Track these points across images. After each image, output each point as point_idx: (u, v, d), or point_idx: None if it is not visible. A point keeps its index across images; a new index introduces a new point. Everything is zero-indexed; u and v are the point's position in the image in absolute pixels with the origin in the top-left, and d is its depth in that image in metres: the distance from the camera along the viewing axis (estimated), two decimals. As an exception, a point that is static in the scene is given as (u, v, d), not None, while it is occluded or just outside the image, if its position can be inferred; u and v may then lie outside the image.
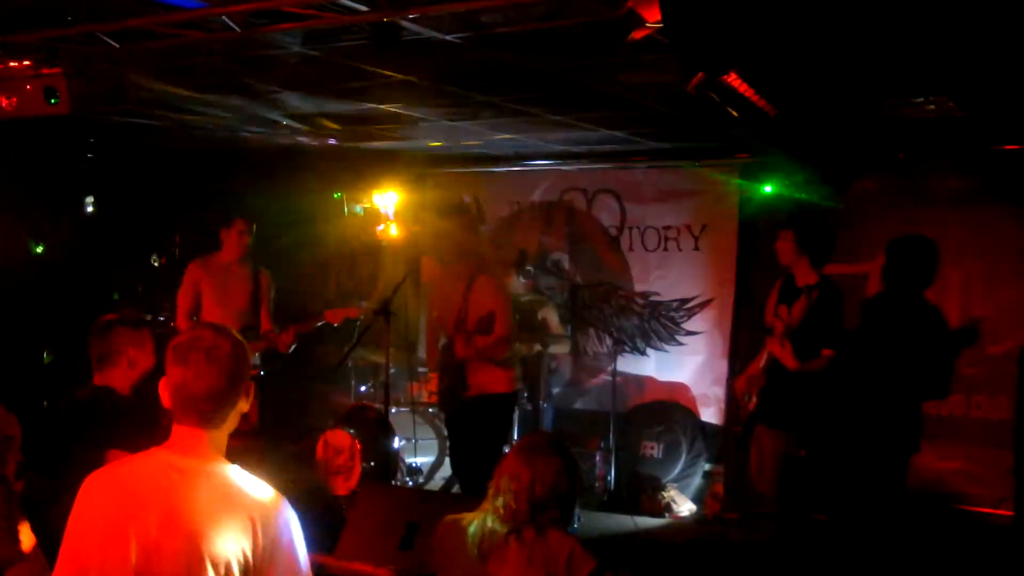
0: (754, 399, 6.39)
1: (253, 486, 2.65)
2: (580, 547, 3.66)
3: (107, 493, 2.60)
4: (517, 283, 8.43)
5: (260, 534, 2.56)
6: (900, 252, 5.93)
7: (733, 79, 3.30)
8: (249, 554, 2.54)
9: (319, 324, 7.40)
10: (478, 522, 3.75)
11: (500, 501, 3.70)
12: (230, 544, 2.53)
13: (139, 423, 3.93)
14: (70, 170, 8.97)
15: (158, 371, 4.39)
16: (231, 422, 2.69)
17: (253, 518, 2.57)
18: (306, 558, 2.67)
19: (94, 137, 8.64)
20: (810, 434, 6.20)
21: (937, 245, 5.97)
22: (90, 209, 9.32)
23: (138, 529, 2.53)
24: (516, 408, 7.33)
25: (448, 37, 4.97)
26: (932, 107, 5.69)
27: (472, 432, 6.63)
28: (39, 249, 9.05)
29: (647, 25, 3.20)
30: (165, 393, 2.66)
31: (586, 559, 3.62)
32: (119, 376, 4.32)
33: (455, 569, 3.74)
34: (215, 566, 2.51)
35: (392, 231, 9.42)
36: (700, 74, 3.32)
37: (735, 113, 3.51)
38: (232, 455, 2.73)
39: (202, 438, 2.63)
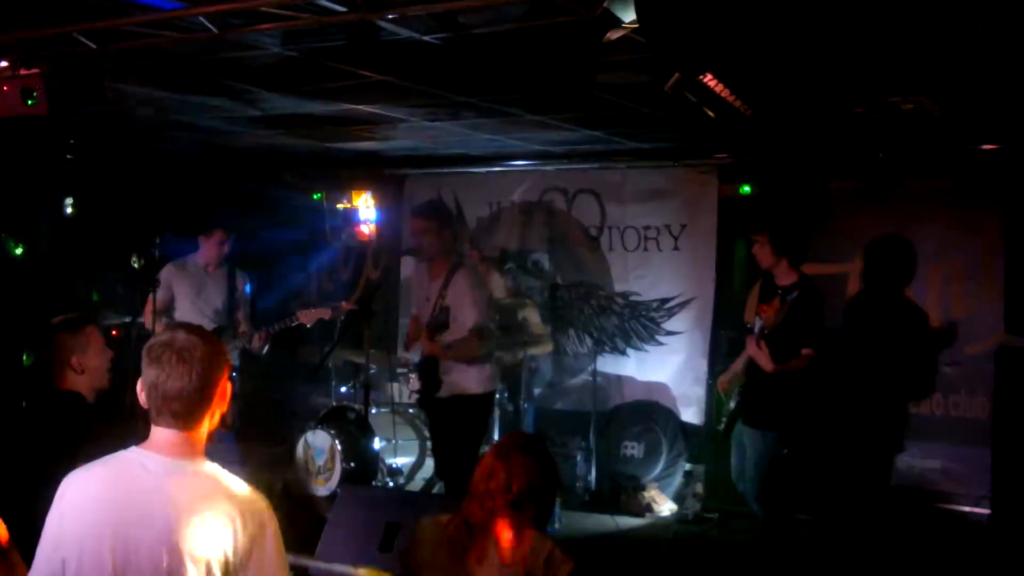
0: (735, 398, 6.42)
1: (233, 485, 2.66)
2: (558, 548, 3.66)
3: (85, 492, 2.62)
4: (499, 283, 8.43)
5: (240, 532, 2.58)
6: (879, 253, 5.98)
7: (709, 79, 3.32)
8: (230, 552, 2.56)
9: (293, 325, 7.38)
10: (456, 522, 3.75)
11: (477, 500, 3.70)
12: (210, 543, 2.55)
13: (103, 429, 3.90)
14: (49, 171, 8.92)
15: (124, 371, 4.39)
16: (208, 422, 2.69)
17: (233, 516, 2.58)
18: (285, 557, 2.69)
19: (74, 138, 8.59)
20: (792, 433, 6.23)
21: (914, 245, 6.03)
22: (69, 210, 9.27)
23: (116, 528, 2.54)
24: (495, 408, 7.32)
25: (426, 38, 4.97)
26: (910, 107, 5.74)
27: (449, 433, 6.65)
28: (18, 250, 9.00)
29: (623, 25, 3.21)
30: (141, 394, 2.66)
31: (564, 560, 3.61)
32: (77, 383, 4.28)
33: (434, 569, 3.73)
34: (195, 564, 2.53)
35: (372, 231, 9.42)
36: (676, 74, 3.34)
37: (711, 113, 3.53)
38: (212, 456, 2.73)
39: (179, 438, 2.64)
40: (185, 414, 2.63)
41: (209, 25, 4.50)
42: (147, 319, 7.39)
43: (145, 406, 2.66)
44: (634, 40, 3.40)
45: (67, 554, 2.57)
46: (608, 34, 3.29)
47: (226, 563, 2.56)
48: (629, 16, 3.14)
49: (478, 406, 6.64)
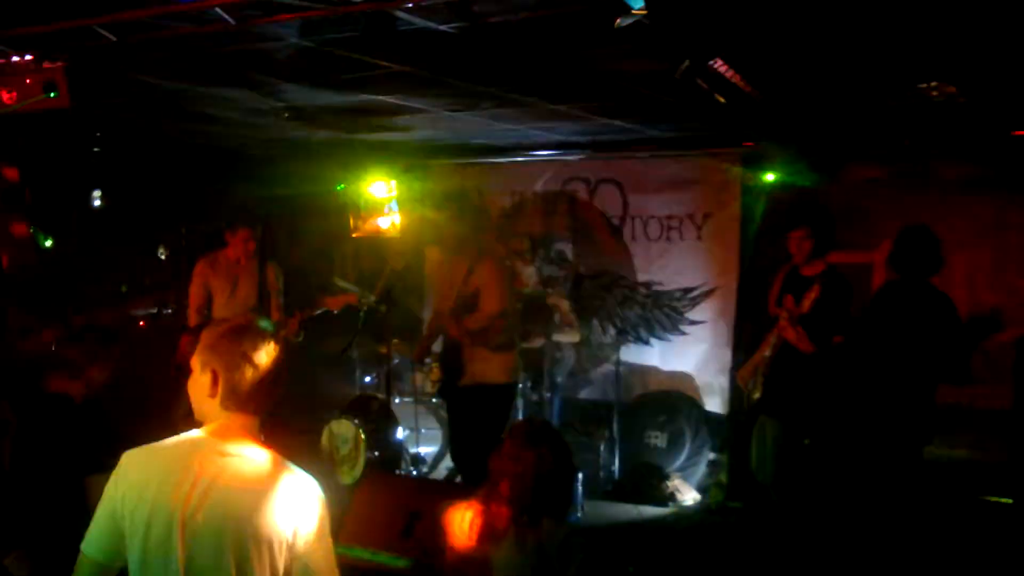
0: (759, 389, 6.41)
1: (289, 468, 2.85)
2: (573, 535, 3.68)
3: (150, 470, 2.75)
4: (529, 271, 8.42)
5: (298, 513, 2.76)
6: (907, 241, 5.96)
7: (719, 65, 3.30)
8: (289, 532, 2.75)
9: (320, 311, 7.43)
10: (474, 509, 3.78)
11: (494, 489, 3.72)
12: (272, 523, 2.72)
13: (91, 431, 3.95)
14: (77, 164, 9.01)
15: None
16: (267, 410, 2.90)
17: (292, 498, 2.77)
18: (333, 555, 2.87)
19: (101, 131, 8.67)
20: (814, 424, 6.21)
21: (940, 234, 5.99)
22: (97, 203, 9.36)
23: (184, 508, 2.70)
24: (518, 399, 7.31)
25: (442, 27, 4.97)
26: (935, 93, 5.69)
27: (469, 422, 6.65)
28: (47, 242, 9.09)
29: (632, 12, 3.21)
30: (214, 384, 2.80)
31: (579, 547, 3.64)
32: (70, 386, 4.31)
33: (452, 555, 3.76)
34: (257, 544, 2.70)
35: (395, 222, 9.44)
36: (687, 61, 3.33)
37: (722, 99, 3.52)
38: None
39: (247, 424, 2.84)
40: (262, 402, 2.85)
41: (226, 16, 4.53)
42: (191, 317, 7.50)
43: (216, 393, 2.81)
44: (647, 27, 3.38)
45: (132, 531, 2.71)
46: (617, 20, 3.28)
47: (285, 542, 2.74)
48: (639, 2, 3.14)
49: (500, 396, 6.64)
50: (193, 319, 7.46)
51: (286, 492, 2.77)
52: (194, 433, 2.85)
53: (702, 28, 3.14)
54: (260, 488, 2.76)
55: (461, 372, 6.57)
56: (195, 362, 2.87)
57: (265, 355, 2.83)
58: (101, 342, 4.47)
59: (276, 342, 2.89)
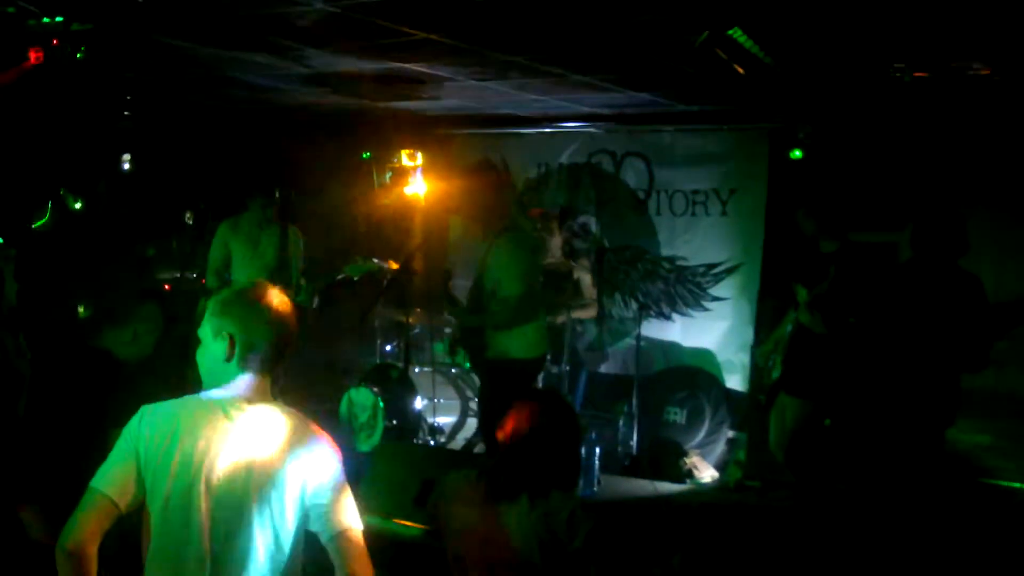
0: (778, 367, 6.37)
1: (306, 423, 2.95)
2: (579, 508, 3.67)
3: (171, 424, 2.84)
4: (557, 242, 8.38)
5: (318, 463, 2.89)
6: (931, 221, 5.86)
7: (738, 34, 3.26)
8: (309, 480, 2.86)
9: (339, 279, 7.45)
10: (481, 478, 3.78)
11: (502, 457, 3.72)
12: (293, 472, 2.85)
13: (130, 387, 3.98)
14: (108, 127, 9.06)
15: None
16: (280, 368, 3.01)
17: (312, 449, 2.89)
18: (353, 502, 2.96)
19: (131, 95, 8.70)
20: (835, 403, 6.16)
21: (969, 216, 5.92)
22: (127, 166, 9.41)
23: (206, 460, 2.80)
24: (541, 373, 7.20)
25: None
26: (965, 71, 5.61)
27: (495, 396, 6.63)
28: (77, 205, 9.16)
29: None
30: (231, 346, 2.88)
31: (586, 518, 3.63)
32: (120, 344, 4.37)
33: (459, 522, 3.77)
34: (278, 493, 2.83)
35: (419, 191, 9.43)
36: (706, 31, 3.29)
37: (740, 70, 3.48)
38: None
39: (257, 382, 2.92)
40: (276, 363, 2.95)
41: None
42: (209, 278, 7.55)
43: (231, 355, 2.89)
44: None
45: (153, 482, 2.80)
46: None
47: (302, 490, 2.86)
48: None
49: (520, 370, 6.59)
50: (211, 281, 7.48)
51: (302, 444, 2.88)
52: (212, 392, 2.93)
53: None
54: (278, 441, 2.85)
55: (486, 346, 6.55)
56: (204, 331, 2.94)
57: (279, 316, 2.93)
58: (154, 300, 4.56)
59: (288, 302, 2.97)
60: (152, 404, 2.90)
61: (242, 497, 2.81)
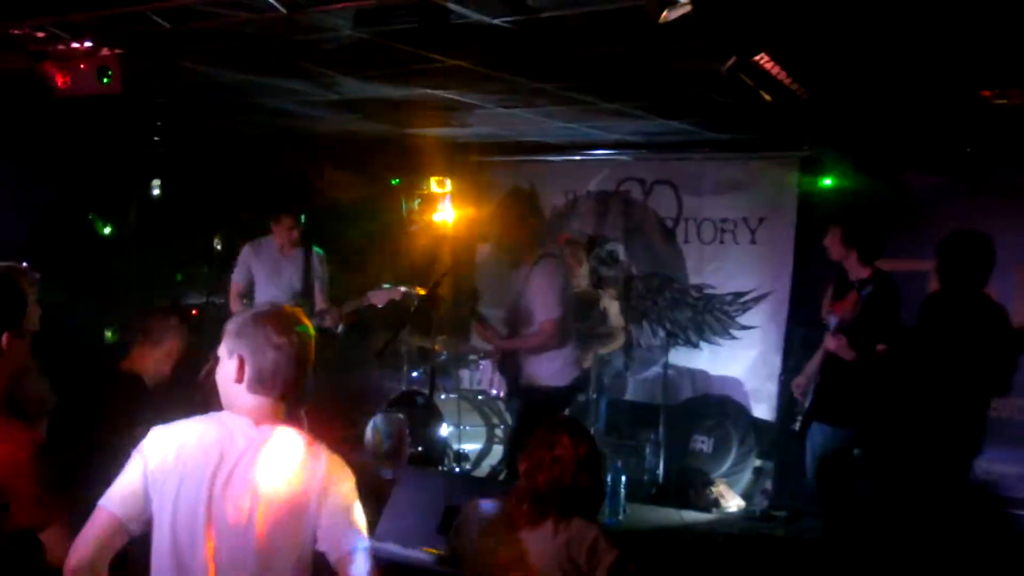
0: (811, 396, 6.31)
1: (317, 446, 2.91)
2: (604, 536, 3.62)
3: (179, 445, 2.82)
4: (584, 270, 8.37)
5: (329, 486, 2.83)
6: (953, 250, 5.81)
7: (764, 61, 3.24)
8: (319, 504, 2.81)
9: (365, 305, 7.43)
10: (503, 504, 3.75)
11: (523, 484, 3.69)
12: (301, 496, 2.81)
13: (159, 413, 3.98)
14: (137, 153, 9.12)
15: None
16: (298, 394, 2.98)
17: (322, 472, 2.84)
18: (363, 517, 2.90)
19: (161, 120, 8.77)
20: (866, 432, 6.10)
21: (1001, 245, 5.85)
22: (156, 192, 9.47)
23: (211, 483, 2.77)
24: (569, 402, 7.15)
25: (495, 21, 4.95)
26: (1004, 100, 5.57)
27: (525, 422, 6.61)
28: (107, 230, 9.22)
29: (679, 4, 3.16)
30: (240, 368, 2.86)
31: (609, 548, 3.58)
32: (149, 361, 4.40)
33: (479, 551, 3.73)
34: (285, 517, 2.79)
35: (448, 217, 9.46)
36: (733, 57, 3.27)
37: (768, 97, 3.45)
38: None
39: (269, 406, 2.89)
40: (287, 387, 2.91)
41: (278, 5, 4.55)
42: (232, 302, 7.54)
43: (242, 378, 2.87)
44: (693, 21, 3.33)
45: (160, 502, 2.79)
46: (664, 14, 3.24)
47: (311, 514, 2.81)
48: (684, -4, 3.09)
49: (549, 399, 6.56)
50: (234, 304, 7.47)
51: (311, 466, 2.84)
52: (224, 413, 2.92)
53: (747, 22, 3.08)
54: (287, 463, 2.83)
55: (520, 372, 6.55)
56: (222, 350, 2.93)
57: (290, 340, 2.88)
58: (183, 320, 4.60)
59: (303, 328, 2.94)
60: (163, 424, 2.89)
61: (248, 518, 2.78)
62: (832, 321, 6.08)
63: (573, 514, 3.63)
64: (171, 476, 2.79)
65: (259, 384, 2.88)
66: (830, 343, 6.04)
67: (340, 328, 7.45)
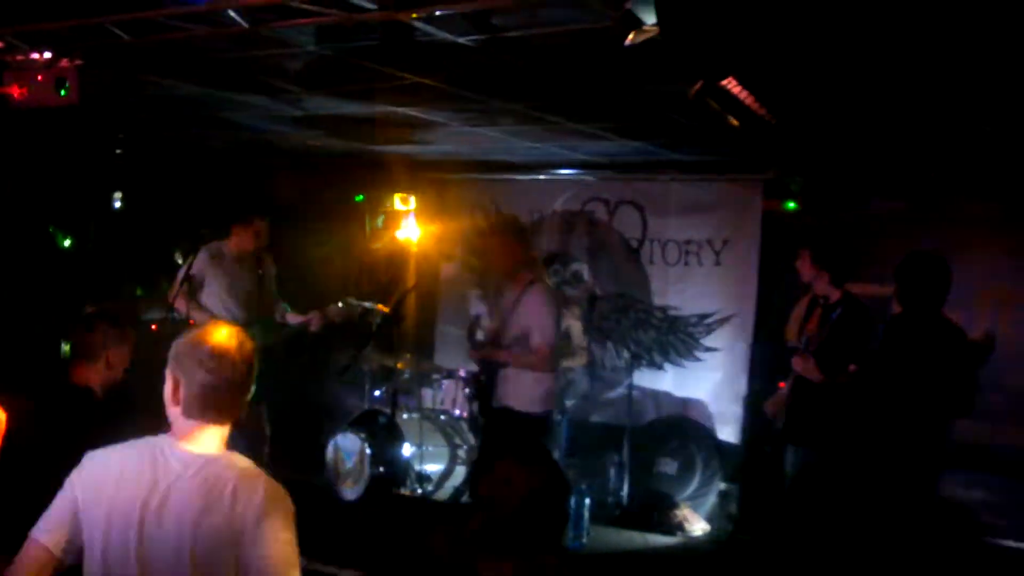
0: (782, 418, 6.32)
1: (253, 471, 2.80)
2: (565, 568, 3.55)
3: (111, 471, 2.76)
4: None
5: (262, 513, 2.71)
6: (909, 272, 5.84)
7: (732, 85, 3.22)
8: (251, 532, 2.69)
9: (340, 307, 7.38)
10: (463, 534, 3.67)
11: (482, 514, 3.60)
12: (234, 523, 2.69)
13: (111, 426, 3.88)
14: (98, 164, 9.01)
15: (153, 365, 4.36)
16: (237, 417, 2.88)
17: (256, 498, 2.72)
18: (296, 549, 2.78)
19: (122, 132, 8.67)
20: (835, 454, 6.09)
21: (963, 270, 5.90)
22: (117, 204, 9.35)
23: (142, 511, 2.69)
24: (544, 430, 7.04)
25: (460, 40, 4.91)
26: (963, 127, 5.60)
27: (491, 445, 6.55)
28: (66, 242, 9.09)
29: (644, 28, 3.12)
30: (176, 391, 2.81)
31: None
32: (94, 375, 4.28)
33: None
34: (214, 550, 2.68)
35: (412, 235, 9.40)
36: (700, 81, 3.24)
37: (735, 122, 3.42)
38: (246, 454, 2.90)
39: (208, 431, 2.82)
40: (222, 411, 2.83)
41: (239, 19, 4.48)
42: (173, 290, 7.33)
43: (176, 402, 2.81)
44: (660, 44, 3.30)
45: (90, 530, 2.72)
46: (630, 36, 3.20)
47: (243, 542, 2.69)
48: (651, 19, 3.05)
49: (529, 426, 6.46)
50: (180, 304, 7.25)
51: (248, 496, 2.73)
52: (159, 438, 2.83)
53: (714, 46, 3.05)
54: (221, 492, 2.72)
55: (493, 393, 6.51)
56: (167, 371, 2.85)
57: (222, 362, 2.80)
58: (113, 324, 4.44)
59: (241, 348, 2.85)
60: (96, 450, 2.82)
61: (180, 547, 2.68)
62: (803, 341, 6.10)
63: (535, 546, 3.55)
64: (102, 503, 2.72)
65: (194, 407, 2.80)
66: (797, 364, 6.06)
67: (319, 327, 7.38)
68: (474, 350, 6.88)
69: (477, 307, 9.45)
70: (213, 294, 7.28)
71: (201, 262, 7.31)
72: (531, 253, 6.89)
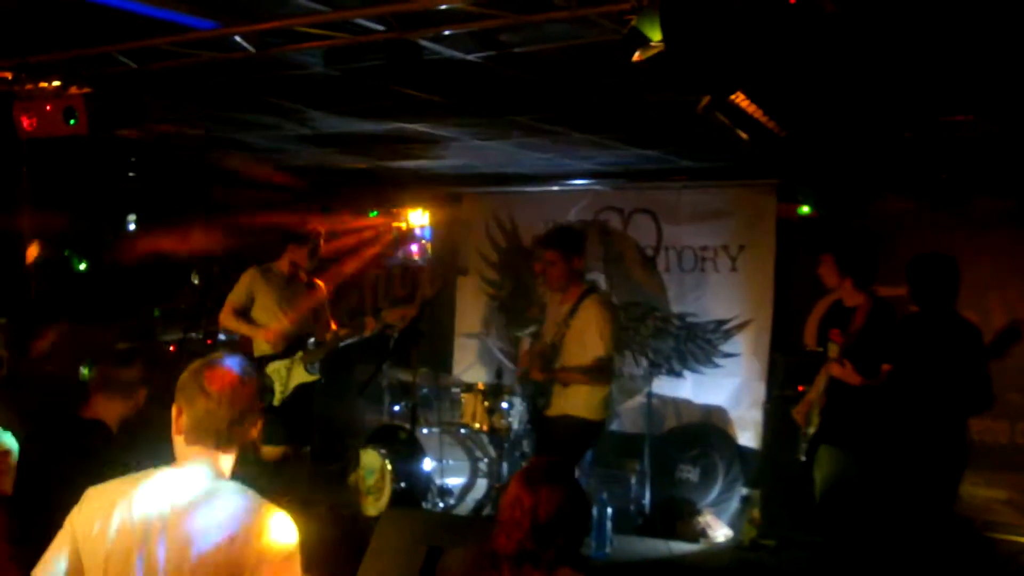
0: (815, 421, 6.27)
1: (258, 504, 2.76)
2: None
3: (112, 506, 2.71)
4: None
5: (267, 548, 2.69)
6: (919, 272, 5.86)
7: (740, 99, 3.20)
8: (255, 568, 2.66)
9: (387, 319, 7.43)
10: (484, 553, 3.65)
11: (504, 531, 3.59)
12: (237, 558, 2.66)
13: (121, 462, 3.89)
14: (112, 188, 9.05)
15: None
16: (242, 445, 2.86)
17: (260, 533, 2.69)
18: None
19: (135, 155, 8.71)
20: (865, 454, 6.07)
21: (976, 268, 5.88)
22: (132, 227, 9.39)
23: (143, 544, 2.66)
24: (599, 436, 6.91)
25: (468, 57, 4.92)
26: (971, 127, 5.58)
27: (546, 452, 6.52)
28: (82, 266, 9.13)
29: (651, 45, 3.11)
30: (179, 418, 2.79)
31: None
32: (115, 409, 4.28)
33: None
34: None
35: (428, 250, 9.41)
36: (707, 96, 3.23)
37: (744, 135, 3.41)
38: (272, 472, 2.83)
39: (213, 460, 2.80)
40: (223, 438, 2.80)
41: (246, 44, 4.49)
42: (226, 318, 7.35)
43: (181, 431, 2.80)
44: (666, 60, 3.29)
45: (89, 564, 2.69)
46: (636, 54, 3.18)
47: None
48: (656, 35, 3.05)
49: (583, 432, 6.51)
50: (227, 320, 7.30)
51: (251, 527, 2.70)
52: (165, 468, 2.81)
53: (721, 62, 3.04)
54: (224, 522, 2.69)
55: (548, 401, 6.50)
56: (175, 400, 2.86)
57: (221, 388, 2.78)
58: (148, 362, 4.47)
59: (251, 384, 2.85)
60: (98, 485, 2.80)
61: None
62: (834, 348, 6.05)
63: (556, 562, 3.53)
64: (102, 540, 2.69)
65: (194, 434, 2.78)
66: (835, 370, 6.01)
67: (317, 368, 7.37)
68: (538, 371, 6.66)
69: (497, 320, 9.46)
70: (264, 308, 7.29)
71: (249, 281, 7.33)
72: (582, 262, 6.83)
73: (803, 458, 6.26)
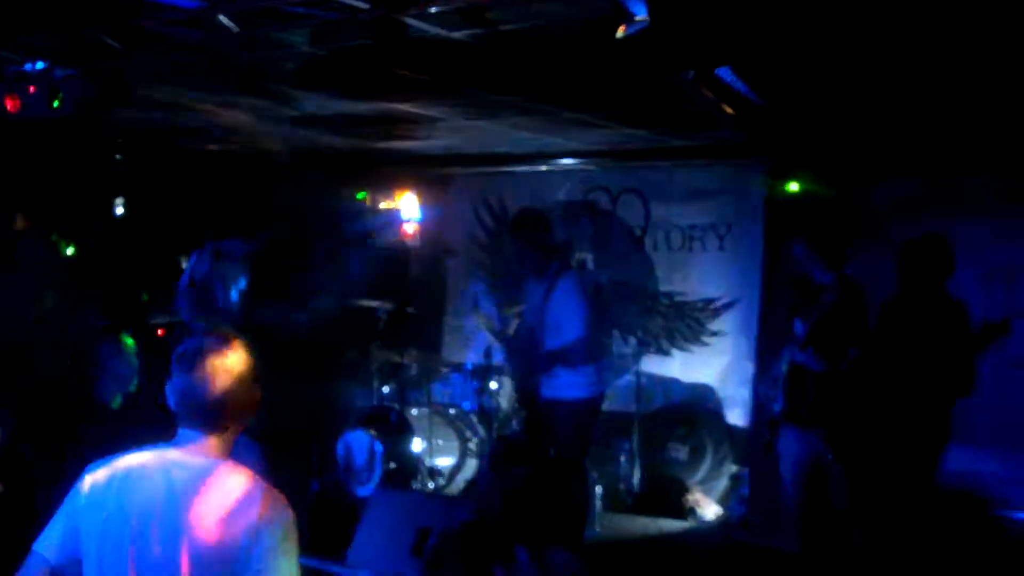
0: (779, 400, 6.28)
1: (253, 483, 2.75)
2: (581, 565, 3.55)
3: (108, 485, 2.73)
4: None
5: (261, 528, 2.68)
6: (911, 251, 5.87)
7: (726, 74, 3.20)
8: (249, 547, 2.66)
9: None
10: (475, 532, 3.67)
11: (487, 513, 3.61)
12: (231, 537, 2.66)
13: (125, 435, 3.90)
14: (100, 171, 9.01)
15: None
16: (233, 426, 2.83)
17: (254, 513, 2.69)
18: (296, 565, 2.75)
19: (123, 138, 8.66)
20: (836, 435, 6.08)
21: (962, 247, 5.88)
22: (120, 210, 9.35)
23: (136, 524, 2.67)
24: (594, 415, 6.89)
25: (455, 35, 4.89)
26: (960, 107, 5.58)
27: (545, 437, 6.52)
28: (69, 250, 9.09)
29: (636, 20, 3.10)
30: (170, 397, 2.79)
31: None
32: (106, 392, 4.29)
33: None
34: (212, 559, 2.64)
35: (416, 231, 9.40)
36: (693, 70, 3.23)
37: (729, 109, 3.41)
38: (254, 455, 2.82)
39: (204, 440, 2.78)
40: (212, 418, 2.78)
41: (230, 24, 4.47)
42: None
43: (173, 409, 2.80)
44: (652, 35, 3.28)
45: (88, 543, 2.70)
46: (620, 29, 3.18)
47: (240, 557, 2.66)
48: (642, 11, 3.04)
49: (578, 411, 6.51)
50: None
51: (246, 509, 2.70)
52: (160, 448, 2.80)
53: (706, 36, 3.03)
54: (219, 504, 2.69)
55: (539, 384, 6.49)
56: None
57: (210, 365, 2.75)
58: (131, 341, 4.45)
59: (241, 359, 2.81)
60: (97, 461, 2.80)
61: (175, 560, 2.65)
62: (799, 329, 6.05)
63: (543, 542, 3.55)
64: (99, 516, 2.71)
65: (185, 414, 2.78)
66: (798, 357, 6.01)
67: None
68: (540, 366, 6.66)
69: (485, 302, 9.46)
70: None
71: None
72: (554, 242, 6.82)
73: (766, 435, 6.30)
